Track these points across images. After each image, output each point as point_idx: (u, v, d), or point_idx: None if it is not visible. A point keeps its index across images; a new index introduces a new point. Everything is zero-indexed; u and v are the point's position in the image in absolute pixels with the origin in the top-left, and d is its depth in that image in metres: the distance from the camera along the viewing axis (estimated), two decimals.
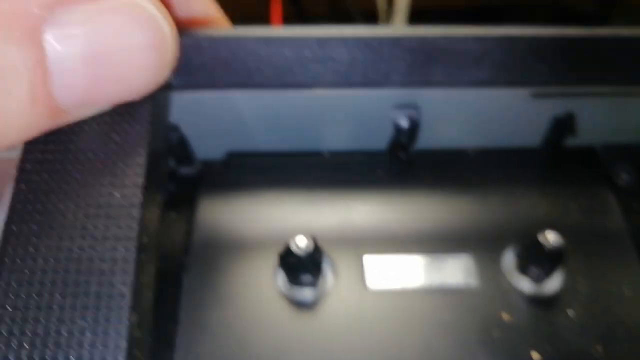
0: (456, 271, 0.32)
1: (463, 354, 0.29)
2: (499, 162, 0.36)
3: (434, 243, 0.33)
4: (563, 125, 0.36)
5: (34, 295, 0.21)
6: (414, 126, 0.35)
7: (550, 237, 0.30)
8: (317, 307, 0.31)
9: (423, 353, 0.30)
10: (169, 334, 0.30)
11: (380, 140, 0.37)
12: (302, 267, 0.30)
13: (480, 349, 0.30)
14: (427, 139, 0.36)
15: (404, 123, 0.35)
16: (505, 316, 0.31)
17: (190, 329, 0.30)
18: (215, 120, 0.36)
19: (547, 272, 0.31)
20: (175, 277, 0.32)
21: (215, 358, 0.29)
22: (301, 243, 0.30)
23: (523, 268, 0.32)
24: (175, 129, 0.35)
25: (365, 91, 0.33)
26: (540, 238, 0.30)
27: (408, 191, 0.35)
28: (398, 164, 0.36)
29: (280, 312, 0.31)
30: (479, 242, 0.33)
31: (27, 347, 0.20)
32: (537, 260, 0.31)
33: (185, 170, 0.37)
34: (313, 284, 0.31)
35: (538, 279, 0.31)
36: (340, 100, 0.35)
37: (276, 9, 0.72)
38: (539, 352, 0.30)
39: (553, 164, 0.37)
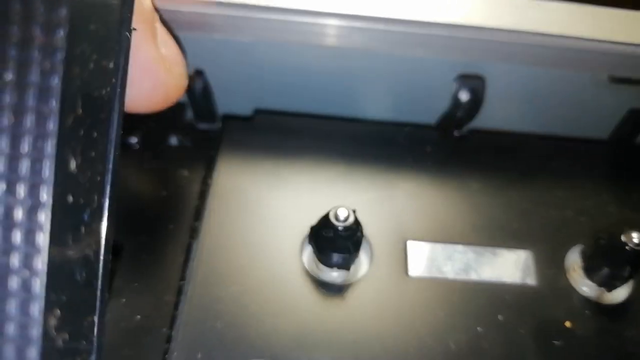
0: (513, 268, 0.28)
1: (518, 358, 0.25)
2: (564, 152, 0.32)
3: (488, 234, 0.29)
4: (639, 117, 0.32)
5: None
6: (476, 100, 0.30)
7: (636, 238, 0.25)
8: (348, 290, 0.27)
9: (468, 352, 0.25)
10: (169, 308, 0.26)
11: (430, 113, 0.33)
12: (338, 244, 0.25)
13: (539, 356, 0.25)
14: (485, 118, 0.32)
15: (465, 96, 0.30)
16: (568, 323, 0.26)
17: (198, 306, 0.25)
18: (243, 70, 0.32)
19: (626, 277, 0.26)
20: (184, 243, 0.28)
21: (224, 340, 0.25)
22: (342, 214, 0.25)
23: (591, 270, 0.27)
24: (199, 73, 0.30)
25: (427, 55, 0.29)
26: (624, 237, 0.25)
27: (460, 173, 0.30)
28: (450, 142, 0.32)
29: (305, 292, 0.26)
30: (539, 238, 0.29)
31: None
32: (612, 262, 0.26)
33: (204, 126, 0.32)
34: (347, 265, 0.26)
35: (610, 284, 0.27)
36: (393, 63, 0.31)
37: None
38: None
39: (624, 159, 0.32)
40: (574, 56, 0.29)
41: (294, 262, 0.27)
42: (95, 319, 0.14)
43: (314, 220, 0.28)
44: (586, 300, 0.27)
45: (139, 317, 0.26)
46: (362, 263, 0.28)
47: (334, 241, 0.25)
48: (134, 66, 0.23)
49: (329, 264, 0.26)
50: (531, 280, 0.27)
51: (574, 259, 0.28)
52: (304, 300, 0.26)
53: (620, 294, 0.27)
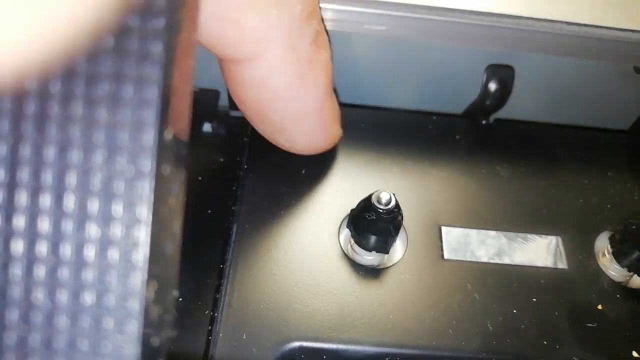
0: (544, 253, 0.28)
1: (552, 340, 0.26)
2: (587, 141, 0.33)
3: (519, 221, 0.29)
4: None
5: None
6: (505, 90, 0.31)
7: None
8: (385, 273, 0.27)
9: (505, 332, 0.26)
10: (212, 289, 0.26)
11: (457, 102, 0.33)
12: (379, 227, 0.26)
13: (573, 338, 0.26)
14: (511, 107, 0.32)
15: (494, 86, 0.31)
16: (600, 306, 0.27)
17: (240, 288, 0.26)
18: None
19: None
20: (223, 227, 0.28)
21: (267, 321, 0.25)
22: (384, 198, 0.25)
23: (621, 255, 0.28)
24: None
25: (458, 44, 0.29)
26: None
27: (489, 161, 0.31)
28: (478, 130, 0.33)
29: (343, 274, 0.27)
30: (568, 224, 0.29)
31: None
32: None
33: (237, 113, 0.33)
34: (386, 249, 0.27)
35: (639, 268, 0.28)
36: (424, 51, 0.31)
37: None
38: (638, 351, 0.26)
39: None
40: (602, 46, 0.30)
41: (332, 246, 0.28)
42: (177, 293, 0.15)
43: (348, 204, 0.28)
44: (616, 284, 0.28)
45: (181, 299, 0.26)
46: (398, 248, 0.28)
47: (375, 224, 0.26)
48: (316, 122, 0.27)
49: (368, 247, 0.27)
50: (562, 265, 0.28)
51: (603, 244, 0.29)
52: (343, 282, 0.27)
53: None
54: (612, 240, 0.29)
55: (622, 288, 0.28)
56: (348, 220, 0.27)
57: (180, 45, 0.13)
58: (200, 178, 0.30)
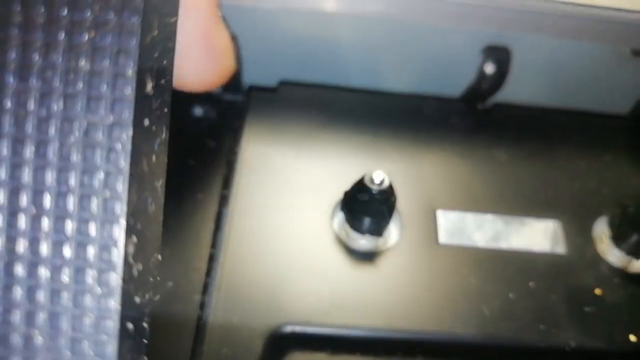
0: (541, 237, 0.28)
1: (549, 325, 0.25)
2: (585, 125, 0.32)
3: (516, 204, 0.29)
4: None
5: None
6: (501, 73, 0.30)
7: None
8: (379, 257, 0.27)
9: (502, 317, 0.25)
10: (202, 273, 0.25)
11: (454, 85, 0.33)
12: (372, 208, 0.25)
13: (571, 323, 0.25)
14: (508, 91, 0.32)
15: (490, 68, 0.31)
16: (598, 290, 0.27)
17: (231, 272, 0.25)
18: (268, 41, 0.31)
19: None
20: (213, 212, 0.27)
21: (259, 305, 0.24)
22: (377, 178, 0.25)
23: (620, 239, 0.27)
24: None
25: (454, 25, 0.29)
26: None
27: (486, 145, 0.31)
28: (475, 114, 0.32)
29: (336, 258, 0.26)
30: (566, 208, 0.29)
31: None
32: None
33: (229, 97, 0.32)
34: (379, 231, 0.26)
35: (638, 252, 0.27)
36: (419, 33, 0.31)
37: None
38: (636, 335, 0.26)
39: None
40: (599, 27, 0.29)
41: (325, 229, 0.27)
42: (159, 258, 0.14)
43: (342, 188, 0.28)
44: (614, 269, 0.27)
45: (170, 283, 0.25)
46: (392, 232, 0.28)
47: (369, 205, 0.25)
48: (203, 53, 0.24)
49: (361, 230, 0.26)
50: (560, 249, 0.28)
51: (601, 229, 0.28)
52: (336, 266, 0.26)
53: None
54: (610, 224, 0.28)
55: (621, 272, 0.27)
56: (341, 203, 0.27)
57: None
58: (191, 162, 0.29)
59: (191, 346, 0.24)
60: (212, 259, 0.26)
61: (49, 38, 0.11)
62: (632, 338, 0.25)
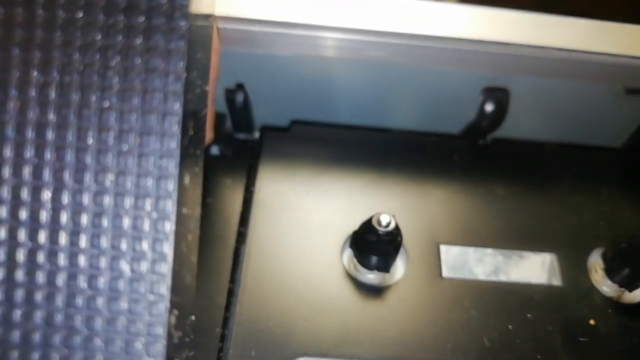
0: (539, 269, 0.30)
1: (546, 354, 0.27)
2: (580, 160, 0.34)
3: (514, 238, 0.30)
4: None
5: None
6: (501, 111, 0.32)
7: None
8: (386, 291, 0.28)
9: (501, 347, 0.27)
10: (222, 308, 0.27)
11: (454, 123, 0.35)
12: (379, 248, 0.27)
13: (567, 352, 0.27)
14: (507, 127, 0.34)
15: (490, 107, 0.32)
16: (592, 321, 0.28)
17: (249, 306, 0.27)
18: (280, 83, 0.33)
19: None
20: (231, 247, 0.29)
21: (275, 337, 0.26)
22: (384, 220, 0.27)
23: (613, 271, 0.29)
24: (240, 86, 0.32)
25: (456, 69, 0.31)
26: None
27: (486, 181, 0.32)
28: (475, 150, 0.34)
29: (346, 293, 0.28)
30: (562, 242, 0.31)
31: None
32: (633, 264, 0.28)
33: (241, 136, 0.34)
34: (386, 268, 0.28)
35: (630, 284, 0.29)
36: (423, 76, 0.32)
37: None
38: None
39: (638, 166, 0.34)
40: (592, 69, 0.31)
41: (335, 265, 0.29)
42: (193, 318, 0.16)
43: (351, 224, 0.30)
44: (608, 300, 0.29)
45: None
46: (399, 266, 0.29)
47: (376, 245, 0.27)
48: None
49: (369, 266, 0.28)
50: (556, 281, 0.29)
51: (595, 261, 0.30)
52: (347, 300, 0.28)
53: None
54: (604, 257, 0.30)
55: (614, 303, 0.29)
56: (351, 241, 0.29)
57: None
58: (209, 200, 0.31)
59: None
60: (231, 294, 0.28)
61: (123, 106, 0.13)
62: None
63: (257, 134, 0.34)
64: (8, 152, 0.13)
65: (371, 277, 0.29)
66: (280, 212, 0.30)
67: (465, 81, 0.32)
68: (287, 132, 0.34)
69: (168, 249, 0.14)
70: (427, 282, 0.29)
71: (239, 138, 0.34)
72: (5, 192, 0.13)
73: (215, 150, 0.33)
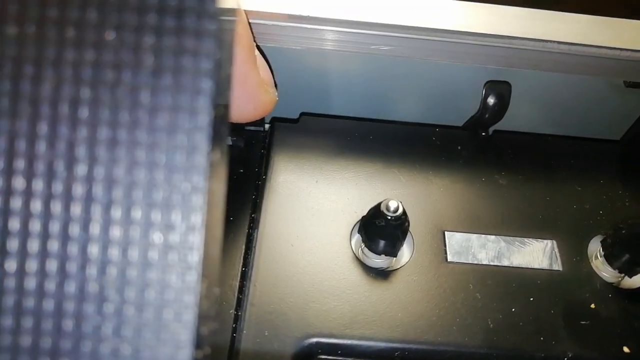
0: (540, 255, 0.31)
1: (549, 336, 0.28)
2: (580, 150, 0.35)
3: (516, 225, 0.32)
4: None
5: None
6: (503, 104, 0.33)
7: None
8: (394, 275, 0.29)
9: (505, 329, 0.28)
10: (235, 290, 0.28)
11: (457, 115, 0.36)
12: (388, 232, 0.28)
13: (568, 335, 0.28)
14: (509, 120, 0.35)
15: (492, 100, 0.33)
16: (593, 305, 0.29)
17: (262, 289, 0.28)
18: (289, 76, 0.34)
19: None
20: (244, 233, 0.30)
21: (287, 319, 0.27)
22: (392, 206, 0.28)
23: (612, 257, 0.30)
24: None
25: (459, 62, 0.32)
26: None
27: (488, 170, 0.33)
28: (478, 141, 0.35)
29: (355, 276, 0.29)
30: (562, 229, 0.32)
31: None
32: (632, 250, 0.29)
33: (251, 127, 0.35)
34: (394, 252, 0.29)
35: (630, 270, 0.30)
36: (428, 70, 0.34)
37: None
38: (629, 347, 0.28)
39: (636, 157, 0.35)
40: (592, 63, 0.32)
41: (345, 250, 0.30)
42: (218, 291, 0.17)
43: (359, 211, 0.31)
44: (608, 285, 0.30)
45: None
46: (405, 251, 0.30)
47: (384, 230, 0.28)
48: (240, 92, 0.26)
49: (377, 250, 0.29)
50: (557, 267, 0.30)
51: (595, 248, 0.31)
52: (355, 283, 0.29)
53: (638, 279, 0.30)
54: (604, 243, 0.31)
55: (614, 288, 0.30)
56: (359, 227, 0.30)
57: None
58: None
59: (227, 357, 0.27)
60: (244, 277, 0.29)
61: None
62: (626, 349, 0.28)
63: (267, 126, 0.35)
64: (44, 127, 0.14)
65: (379, 261, 0.30)
66: (291, 200, 0.31)
67: (469, 75, 0.34)
68: (297, 124, 0.35)
69: (199, 220, 0.15)
70: (432, 267, 0.30)
71: (250, 129, 0.35)
72: (41, 167, 0.14)
73: (228, 141, 0.34)
